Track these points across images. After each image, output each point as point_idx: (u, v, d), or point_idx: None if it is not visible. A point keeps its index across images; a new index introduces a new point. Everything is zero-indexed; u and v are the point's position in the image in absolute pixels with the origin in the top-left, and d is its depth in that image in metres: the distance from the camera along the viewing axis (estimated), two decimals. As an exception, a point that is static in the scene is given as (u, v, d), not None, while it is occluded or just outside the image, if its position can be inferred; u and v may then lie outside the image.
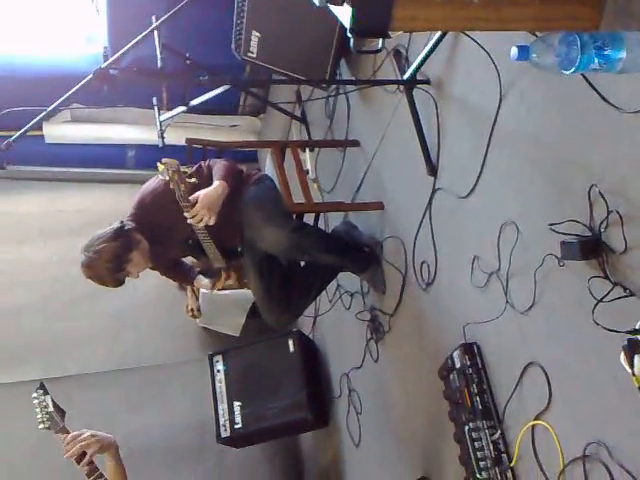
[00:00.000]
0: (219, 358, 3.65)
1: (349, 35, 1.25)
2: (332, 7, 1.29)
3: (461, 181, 2.17)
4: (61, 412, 2.14)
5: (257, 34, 3.04)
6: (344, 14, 1.25)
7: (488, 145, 2.01)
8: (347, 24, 1.22)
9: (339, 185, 3.25)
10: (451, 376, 2.08)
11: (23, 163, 4.12)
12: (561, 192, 1.68)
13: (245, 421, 3.51)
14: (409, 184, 2.59)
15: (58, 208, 4.21)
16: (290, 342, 3.53)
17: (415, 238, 2.50)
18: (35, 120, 2.73)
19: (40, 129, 3.96)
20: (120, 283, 2.56)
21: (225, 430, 3.53)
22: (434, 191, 2.38)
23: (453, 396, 2.07)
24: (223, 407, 3.56)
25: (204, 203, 2.44)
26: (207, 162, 2.73)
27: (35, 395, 2.18)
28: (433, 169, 2.38)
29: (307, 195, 2.82)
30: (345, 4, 1.23)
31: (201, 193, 2.46)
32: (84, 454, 2.07)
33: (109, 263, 2.45)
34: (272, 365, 3.58)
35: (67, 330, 3.95)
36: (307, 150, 3.32)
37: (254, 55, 3.13)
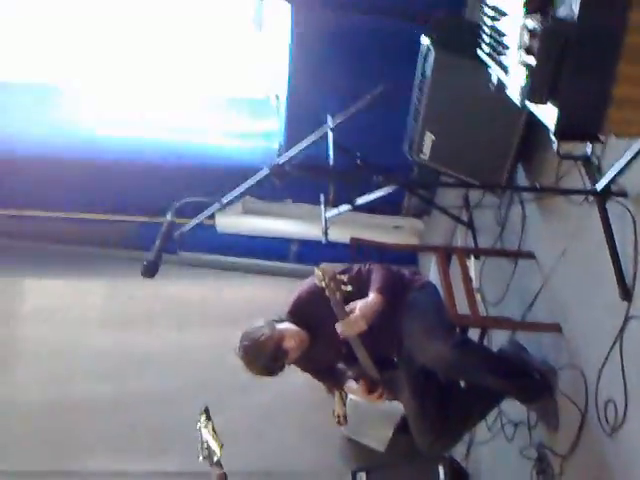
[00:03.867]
0: (362, 476, 3.42)
1: (552, 138, 1.06)
2: (531, 105, 1.11)
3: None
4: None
5: (431, 135, 2.95)
6: (547, 113, 1.07)
7: None
8: (551, 125, 1.04)
9: (507, 299, 2.97)
10: None
11: (194, 250, 4.26)
12: None
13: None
14: (595, 308, 2.26)
15: (221, 296, 4.28)
16: (440, 469, 3.20)
17: (600, 371, 2.15)
18: (209, 211, 2.81)
19: (212, 218, 4.10)
20: (274, 372, 2.48)
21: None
22: (627, 319, 2.04)
23: None
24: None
25: (359, 316, 2.34)
26: (367, 266, 2.60)
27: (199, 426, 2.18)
28: (627, 293, 2.06)
29: (473, 307, 2.59)
30: (549, 103, 1.05)
31: (357, 305, 2.36)
32: None
33: (267, 351, 2.40)
34: (419, 490, 3.26)
35: (217, 422, 3.90)
36: (472, 258, 3.14)
37: (426, 157, 3.03)
